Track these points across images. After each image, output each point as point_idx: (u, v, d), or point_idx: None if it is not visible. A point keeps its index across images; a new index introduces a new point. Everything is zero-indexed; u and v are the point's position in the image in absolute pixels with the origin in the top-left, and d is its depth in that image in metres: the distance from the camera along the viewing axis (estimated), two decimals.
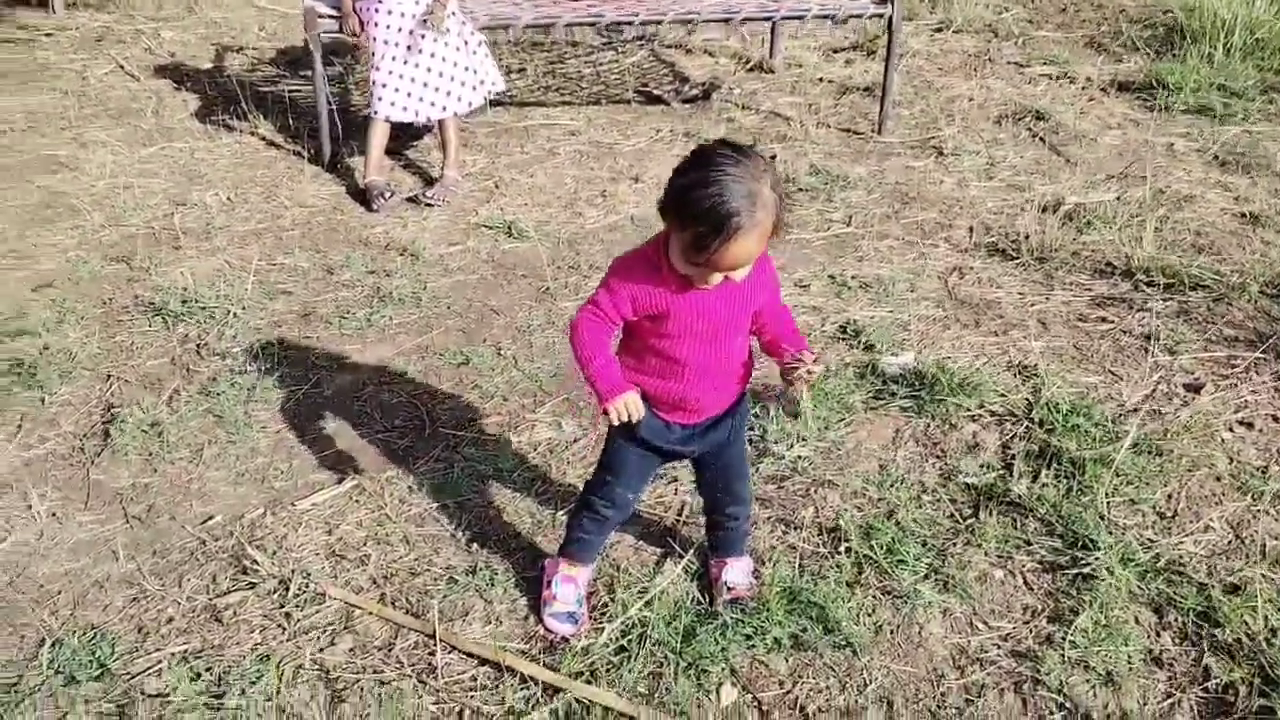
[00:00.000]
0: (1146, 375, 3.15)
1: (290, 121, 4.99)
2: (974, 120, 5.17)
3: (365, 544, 2.51)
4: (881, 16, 4.86)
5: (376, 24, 4.26)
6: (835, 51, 6.33)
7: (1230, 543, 2.50)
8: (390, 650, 2.22)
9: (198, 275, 3.67)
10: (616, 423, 1.99)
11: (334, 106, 4.64)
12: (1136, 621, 2.28)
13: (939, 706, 2.09)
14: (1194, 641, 2.23)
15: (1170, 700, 2.11)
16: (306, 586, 2.35)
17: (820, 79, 5.82)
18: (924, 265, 3.82)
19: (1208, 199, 4.32)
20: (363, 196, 4.29)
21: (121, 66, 5.69)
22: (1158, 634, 2.25)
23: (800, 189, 4.40)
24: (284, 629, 2.26)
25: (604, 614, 2.28)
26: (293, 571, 2.39)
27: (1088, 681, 2.13)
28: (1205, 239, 3.97)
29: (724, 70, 5.95)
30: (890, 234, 4.06)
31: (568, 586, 2.29)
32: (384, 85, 4.29)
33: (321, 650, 2.21)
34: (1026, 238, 3.91)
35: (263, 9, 6.86)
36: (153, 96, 5.29)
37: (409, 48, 4.25)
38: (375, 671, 2.16)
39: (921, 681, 2.15)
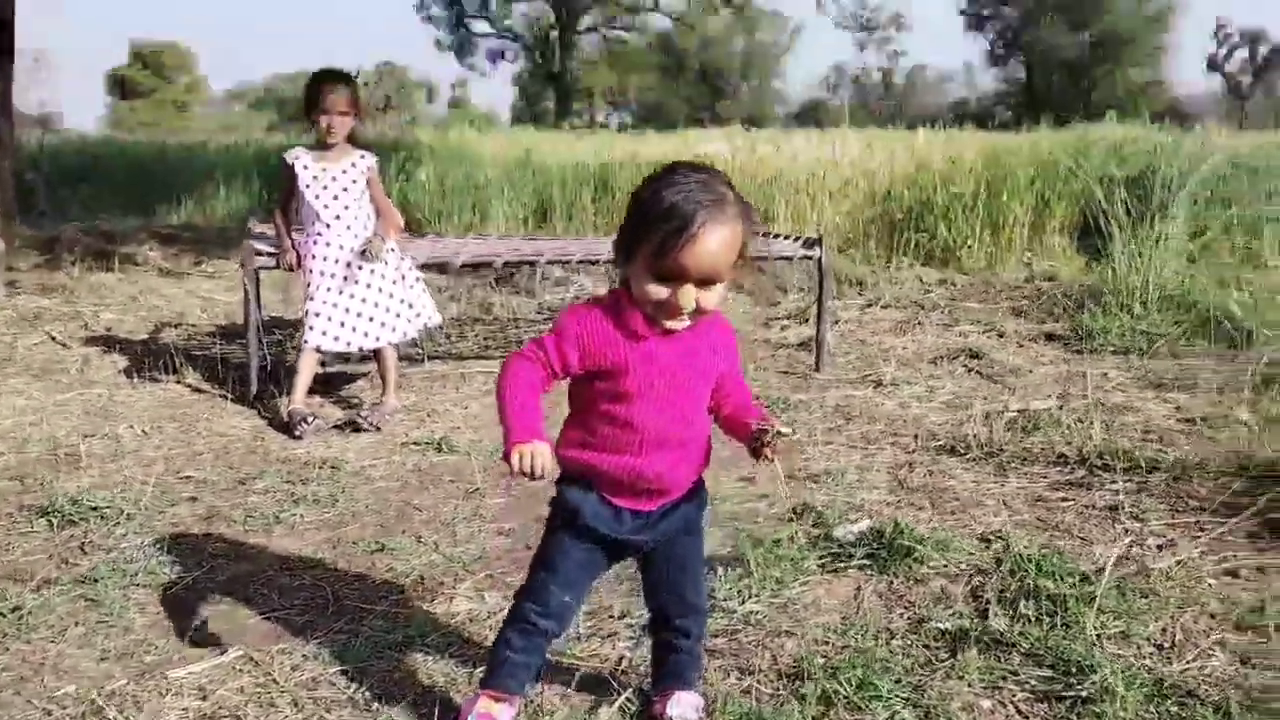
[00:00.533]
0: (1118, 538, 2.94)
1: (219, 371, 4.87)
2: (910, 360, 5.22)
3: (244, 707, 2.12)
4: (810, 259, 5.01)
5: (314, 256, 4.27)
6: (770, 321, 6.49)
7: (1239, 670, 2.20)
8: None
9: (95, 486, 3.39)
10: (517, 470, 1.70)
11: (266, 350, 4.57)
12: None
13: None
14: None
15: None
16: None
17: (754, 339, 5.91)
18: (872, 462, 3.66)
19: (1149, 408, 4.28)
20: (286, 427, 4.11)
21: (53, 338, 5.62)
22: None
23: None
24: None
25: None
26: None
27: None
28: (1154, 434, 3.89)
29: None
30: (835, 441, 3.93)
31: None
32: (317, 315, 4.24)
33: None
34: (975, 437, 3.80)
35: (206, 298, 6.97)
36: (79, 359, 5.19)
37: (345, 278, 4.26)
38: None
39: None
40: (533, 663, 1.96)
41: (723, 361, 1.88)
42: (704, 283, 1.72)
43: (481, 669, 2.20)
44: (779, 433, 1.79)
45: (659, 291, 1.72)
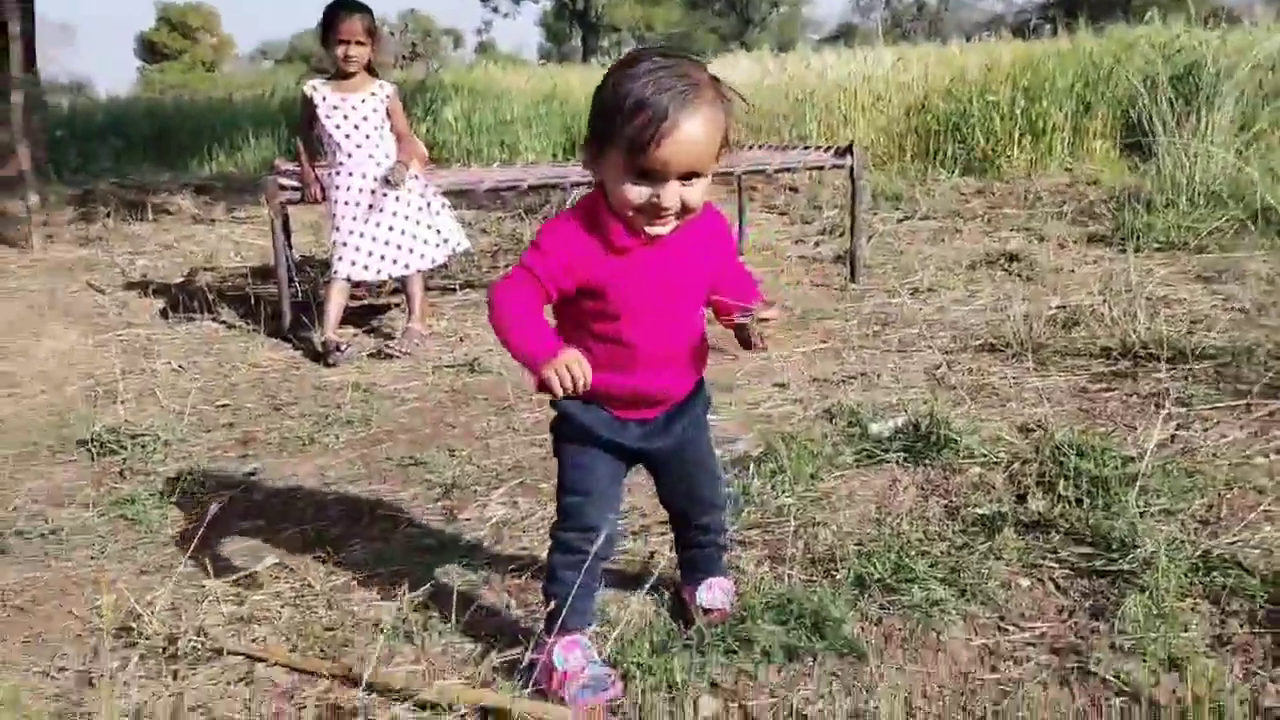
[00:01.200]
0: (1162, 424, 2.86)
1: (253, 309, 4.89)
2: (948, 267, 5.11)
3: (280, 610, 2.13)
4: (842, 168, 4.90)
5: (338, 187, 4.25)
6: (804, 238, 6.39)
7: None
8: (294, 696, 1.81)
9: (133, 418, 3.42)
10: (560, 392, 1.57)
11: (298, 285, 4.59)
12: (1194, 610, 1.89)
13: (968, 702, 1.68)
14: (1267, 625, 1.84)
15: (1251, 681, 1.70)
16: (201, 645, 1.97)
17: (789, 256, 5.83)
18: (909, 364, 3.59)
19: (1197, 299, 4.16)
20: (319, 357, 4.12)
21: (91, 285, 5.67)
22: (1222, 621, 1.86)
23: None
24: (167, 687, 1.86)
25: None
26: (184, 631, 2.01)
27: (1147, 668, 1.73)
28: (1202, 324, 3.78)
29: None
30: (871, 347, 3.86)
31: (572, 651, 1.76)
32: (344, 245, 4.23)
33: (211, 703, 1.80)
34: (1015, 334, 3.71)
35: (239, 242, 6.99)
36: (116, 303, 5.23)
37: (370, 207, 4.23)
38: None
39: (944, 680, 1.74)
40: (589, 591, 1.79)
41: (716, 256, 1.75)
42: (687, 177, 1.58)
43: (512, 569, 2.21)
44: (762, 319, 1.67)
45: (639, 193, 1.57)
